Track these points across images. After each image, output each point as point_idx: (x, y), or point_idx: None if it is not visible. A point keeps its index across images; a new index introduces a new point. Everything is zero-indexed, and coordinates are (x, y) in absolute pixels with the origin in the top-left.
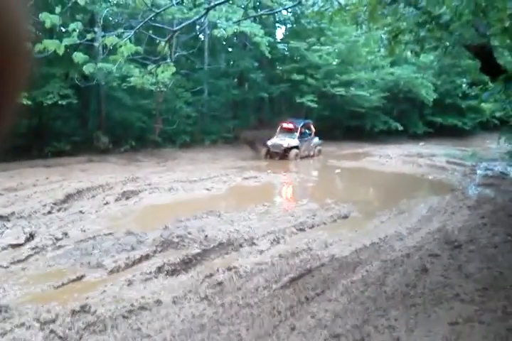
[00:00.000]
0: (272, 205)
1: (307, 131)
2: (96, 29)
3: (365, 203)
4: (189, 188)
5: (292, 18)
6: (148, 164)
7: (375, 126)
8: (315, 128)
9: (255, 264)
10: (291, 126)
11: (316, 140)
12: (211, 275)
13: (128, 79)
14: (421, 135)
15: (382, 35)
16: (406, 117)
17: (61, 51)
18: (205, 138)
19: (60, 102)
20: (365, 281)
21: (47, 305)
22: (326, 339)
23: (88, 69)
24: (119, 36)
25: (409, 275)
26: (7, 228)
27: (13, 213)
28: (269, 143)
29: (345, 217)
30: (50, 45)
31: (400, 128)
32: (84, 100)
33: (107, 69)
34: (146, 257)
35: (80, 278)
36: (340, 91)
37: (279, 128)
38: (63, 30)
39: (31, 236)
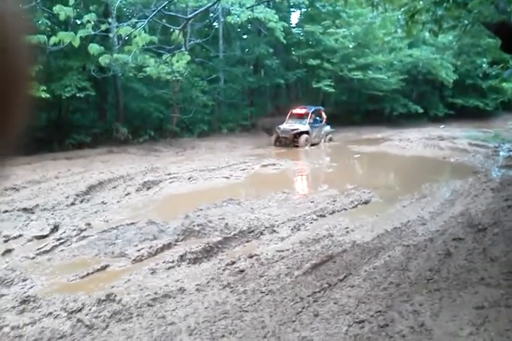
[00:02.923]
0: (292, 192)
1: (318, 118)
2: (110, 20)
3: (386, 188)
4: (208, 177)
5: (307, 2)
6: (167, 154)
7: (394, 110)
8: (327, 115)
9: (276, 251)
10: (301, 111)
11: (328, 127)
12: (233, 262)
13: (144, 69)
14: (441, 117)
15: (399, 16)
16: (426, 99)
17: (76, 43)
18: (222, 127)
19: (78, 95)
20: (388, 267)
21: (73, 294)
22: (350, 325)
23: (104, 60)
24: (134, 26)
25: (432, 260)
26: (32, 220)
27: (37, 205)
28: (278, 128)
29: (366, 202)
30: (65, 37)
31: (420, 110)
32: (101, 92)
33: (123, 60)
34: (168, 246)
35: (104, 268)
36: (358, 75)
37: (289, 114)
38: (78, 22)
39: (55, 228)
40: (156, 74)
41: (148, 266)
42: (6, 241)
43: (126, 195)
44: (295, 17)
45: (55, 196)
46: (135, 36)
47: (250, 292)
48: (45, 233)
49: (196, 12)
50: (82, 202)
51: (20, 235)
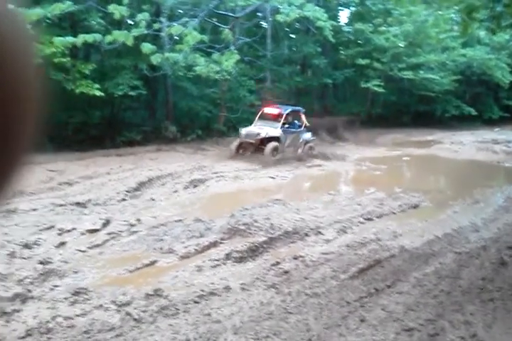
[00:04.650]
0: (338, 194)
1: (297, 121)
2: (162, 19)
3: (436, 192)
4: (253, 176)
5: (357, 0)
6: (213, 153)
7: (447, 111)
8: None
9: (322, 254)
10: (274, 111)
11: (308, 135)
12: (278, 263)
13: (193, 68)
14: (496, 120)
15: (454, 14)
16: (480, 101)
17: (130, 42)
18: None
19: (130, 93)
20: (439, 274)
21: (123, 288)
22: (398, 333)
23: (156, 59)
24: (184, 25)
25: (486, 269)
26: (85, 214)
27: (89, 200)
28: (242, 131)
29: (415, 206)
30: (120, 36)
31: (474, 113)
32: (152, 91)
33: (174, 59)
34: (214, 244)
35: (152, 263)
36: (408, 74)
37: (259, 113)
38: (130, 22)
39: (107, 222)
40: (205, 74)
41: (195, 263)
42: (60, 234)
43: (174, 192)
44: (344, 15)
45: (106, 191)
46: (186, 35)
47: (295, 293)
48: (96, 227)
49: (246, 10)
50: (132, 198)
51: (73, 228)
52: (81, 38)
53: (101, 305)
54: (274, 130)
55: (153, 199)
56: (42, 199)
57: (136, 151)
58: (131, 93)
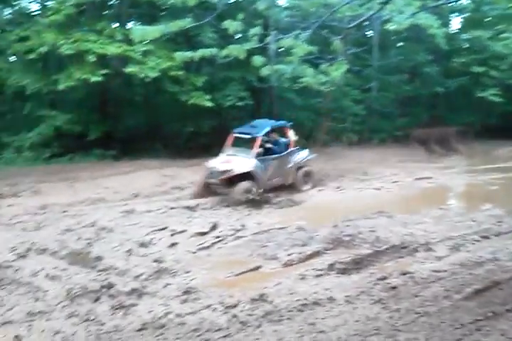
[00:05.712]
0: (449, 209)
1: (282, 139)
2: (271, 32)
3: None
4: (357, 187)
5: (472, 6)
6: (315, 162)
7: None
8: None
9: (432, 271)
10: (245, 134)
11: (301, 155)
12: (384, 278)
13: (300, 79)
14: None
15: None
16: None
17: (243, 55)
18: (373, 137)
19: (237, 104)
20: None
21: (229, 290)
22: None
23: (265, 71)
24: (295, 37)
25: None
26: (194, 218)
27: (198, 205)
28: (207, 165)
29: None
30: (234, 50)
31: None
32: (257, 101)
33: (283, 71)
34: (317, 253)
35: (257, 268)
36: None
37: (229, 138)
38: (239, 35)
39: (214, 226)
40: (313, 85)
41: (298, 271)
42: (172, 235)
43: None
44: (456, 22)
45: (213, 197)
46: (295, 47)
47: (404, 311)
48: (205, 230)
49: (358, 21)
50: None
51: (184, 230)
52: (199, 53)
53: (209, 305)
54: (246, 162)
55: None
56: (156, 201)
57: None
58: (239, 104)
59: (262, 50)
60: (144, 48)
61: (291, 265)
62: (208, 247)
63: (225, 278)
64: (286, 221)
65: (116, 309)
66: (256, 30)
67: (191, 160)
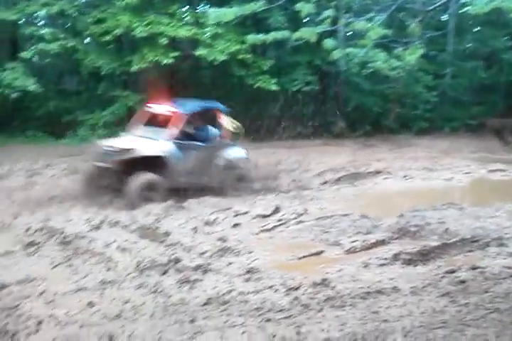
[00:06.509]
0: None
1: (211, 128)
2: (343, 15)
3: None
4: (426, 177)
5: None
6: (381, 149)
7: None
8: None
9: (505, 267)
10: (165, 110)
11: (235, 152)
12: (452, 271)
13: (370, 64)
14: None
15: None
16: None
17: (314, 38)
18: (444, 125)
19: (303, 89)
20: None
21: (291, 273)
22: None
23: (336, 55)
24: (369, 20)
25: None
26: (258, 200)
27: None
28: (99, 144)
29: None
30: (306, 33)
31: None
32: (322, 86)
33: (354, 55)
34: (382, 242)
35: (319, 253)
36: None
37: (139, 113)
38: (306, 19)
39: (277, 209)
40: (383, 69)
41: (361, 258)
42: (235, 216)
43: (338, 187)
44: None
45: (280, 180)
46: (369, 30)
47: (473, 306)
48: (267, 213)
49: (439, 3)
50: (299, 188)
51: (247, 212)
52: (271, 35)
53: (271, 286)
54: (157, 143)
55: (320, 191)
56: None
57: (302, 145)
58: (305, 88)
59: (332, 34)
60: (214, 31)
61: (354, 252)
62: (270, 229)
63: (286, 261)
64: (349, 208)
65: (183, 283)
66: (329, 13)
67: (255, 143)
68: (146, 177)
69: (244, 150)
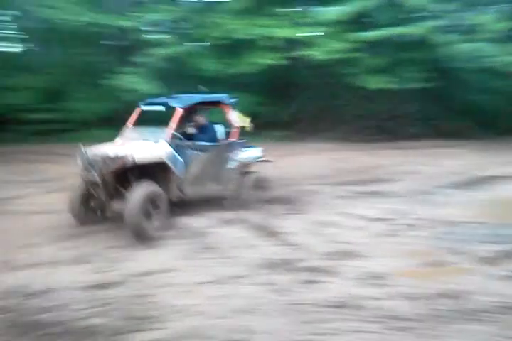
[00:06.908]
0: None
1: (217, 126)
2: (461, 9)
3: None
4: None
5: None
6: (506, 152)
7: None
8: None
9: None
10: (157, 105)
11: (250, 153)
12: None
13: (487, 59)
14: None
15: None
16: None
17: (427, 34)
18: None
19: (414, 87)
20: None
21: (417, 280)
22: None
23: (450, 50)
24: (489, 14)
25: None
26: (381, 203)
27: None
28: (86, 152)
29: None
30: (418, 28)
31: None
32: (435, 84)
33: (469, 50)
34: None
35: (443, 262)
36: None
37: (134, 115)
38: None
39: (399, 214)
40: (502, 65)
41: (491, 270)
42: (356, 219)
43: (464, 191)
44: None
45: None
46: (487, 25)
47: None
48: (389, 217)
49: None
50: (423, 194)
51: (367, 215)
52: (381, 32)
53: (397, 293)
54: (153, 147)
55: (443, 196)
56: (345, 185)
57: (414, 146)
58: (416, 86)
59: (444, 29)
60: (323, 30)
61: (482, 263)
62: (392, 234)
63: (411, 268)
64: (479, 214)
65: (306, 283)
66: (445, 7)
67: (365, 144)
68: (142, 190)
69: (260, 149)
